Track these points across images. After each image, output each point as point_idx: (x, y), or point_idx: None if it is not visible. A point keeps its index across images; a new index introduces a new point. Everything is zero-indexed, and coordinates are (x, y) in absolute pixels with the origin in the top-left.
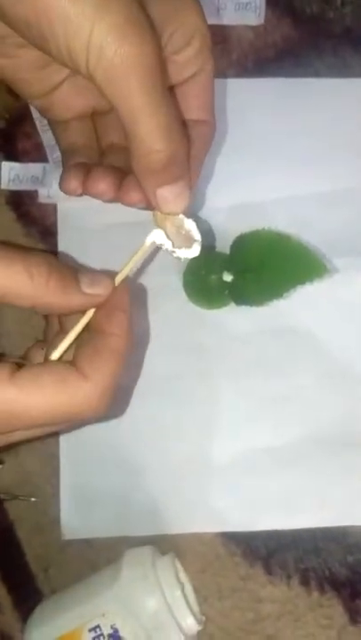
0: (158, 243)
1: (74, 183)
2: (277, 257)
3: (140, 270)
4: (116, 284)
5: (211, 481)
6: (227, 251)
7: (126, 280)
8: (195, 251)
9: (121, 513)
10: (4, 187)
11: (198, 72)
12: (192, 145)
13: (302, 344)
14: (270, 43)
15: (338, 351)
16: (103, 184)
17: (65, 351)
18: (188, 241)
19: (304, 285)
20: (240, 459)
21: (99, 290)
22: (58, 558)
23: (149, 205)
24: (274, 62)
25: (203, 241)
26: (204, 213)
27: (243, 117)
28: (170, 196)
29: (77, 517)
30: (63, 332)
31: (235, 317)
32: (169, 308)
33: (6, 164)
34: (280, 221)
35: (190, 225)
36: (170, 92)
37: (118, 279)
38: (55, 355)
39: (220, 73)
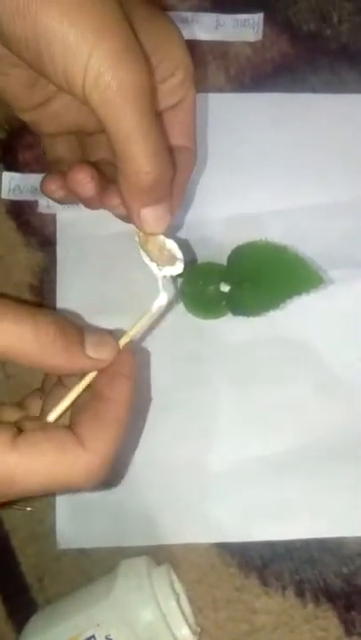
0: (148, 263)
1: (53, 185)
2: (274, 268)
3: (137, 281)
4: (121, 347)
5: (206, 491)
6: (224, 262)
7: (131, 344)
8: (178, 268)
9: (116, 523)
10: (4, 196)
11: (181, 101)
12: (176, 171)
13: (298, 354)
14: (268, 59)
15: (334, 361)
16: (82, 174)
17: (64, 411)
18: (171, 259)
19: (300, 296)
20: (236, 469)
21: (103, 354)
22: (53, 568)
23: (128, 215)
24: (271, 78)
25: (185, 257)
26: (202, 225)
27: (240, 131)
28: (152, 216)
29: (73, 527)
30: (61, 384)
31: (232, 328)
32: (166, 318)
33: (7, 175)
34: (277, 233)
35: (171, 244)
36: (158, 118)
37: (123, 342)
38: (52, 417)
39: (218, 88)
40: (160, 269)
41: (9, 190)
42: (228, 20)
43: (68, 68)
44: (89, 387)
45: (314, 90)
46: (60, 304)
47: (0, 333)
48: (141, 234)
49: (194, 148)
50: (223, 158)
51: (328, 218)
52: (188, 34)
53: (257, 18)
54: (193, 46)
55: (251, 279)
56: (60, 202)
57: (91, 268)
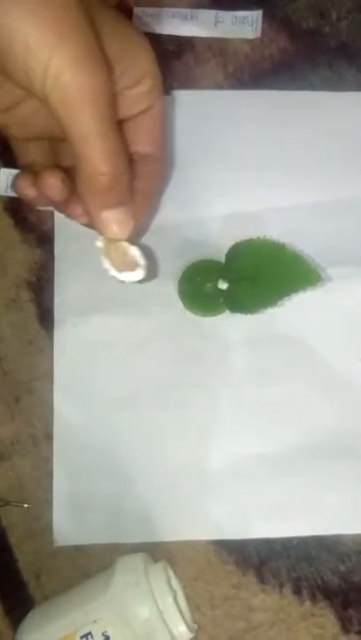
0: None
1: (24, 183)
2: (272, 265)
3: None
4: None
5: (204, 488)
6: (222, 259)
7: None
8: (138, 275)
9: (114, 520)
10: (1, 193)
11: (149, 108)
12: (141, 179)
13: (296, 352)
14: (267, 56)
15: (331, 359)
16: (53, 178)
17: None
18: (132, 265)
19: (298, 293)
20: (233, 466)
21: None
22: (50, 565)
23: (90, 220)
24: (270, 75)
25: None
26: (200, 222)
27: (238, 128)
28: (112, 220)
29: (70, 524)
30: None
31: (230, 325)
32: (165, 315)
33: (5, 171)
34: (275, 230)
35: (134, 251)
36: (117, 124)
37: None
38: None
39: (217, 85)
40: (119, 274)
41: (6, 187)
42: (227, 16)
43: (29, 67)
44: None
45: (313, 87)
46: (57, 301)
47: None
48: (105, 239)
49: (160, 156)
50: (221, 156)
51: (327, 215)
52: (186, 30)
53: (256, 15)
54: (192, 43)
55: (249, 276)
56: (31, 202)
57: (88, 264)
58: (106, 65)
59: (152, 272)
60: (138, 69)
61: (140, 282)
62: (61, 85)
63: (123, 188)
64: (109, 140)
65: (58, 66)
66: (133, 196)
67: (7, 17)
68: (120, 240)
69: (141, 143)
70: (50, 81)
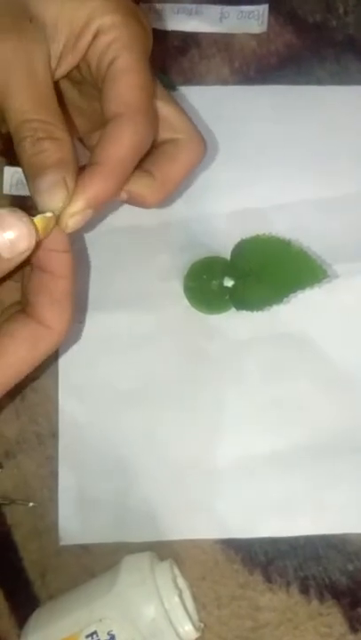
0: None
1: None
2: (277, 262)
3: (141, 275)
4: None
5: (210, 487)
6: (227, 256)
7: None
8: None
9: (120, 518)
10: (6, 192)
11: (113, 61)
12: (104, 142)
13: (303, 349)
14: (273, 51)
15: (338, 356)
16: None
17: None
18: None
19: (304, 290)
20: (240, 465)
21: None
22: (55, 564)
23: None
24: (276, 70)
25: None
26: (205, 219)
27: (245, 124)
28: (46, 186)
29: (75, 522)
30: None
31: (235, 322)
32: (170, 313)
33: (9, 169)
34: (280, 227)
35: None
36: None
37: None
38: None
39: (223, 80)
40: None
41: (11, 185)
42: (233, 11)
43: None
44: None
45: (320, 82)
46: None
47: None
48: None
49: (134, 118)
50: (227, 152)
51: (333, 211)
52: (191, 26)
53: (262, 9)
54: (197, 39)
55: (254, 273)
56: None
57: (93, 261)
58: (34, 29)
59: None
60: (90, 20)
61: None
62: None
63: (58, 145)
64: (35, 90)
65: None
66: (97, 161)
67: None
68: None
69: (112, 102)
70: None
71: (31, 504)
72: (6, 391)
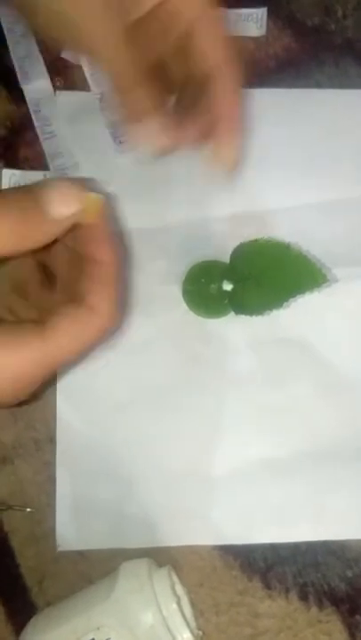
0: None
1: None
2: (277, 266)
3: (140, 279)
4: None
5: (208, 493)
6: (226, 260)
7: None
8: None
9: (117, 525)
10: None
11: (191, 20)
12: (218, 99)
13: (302, 354)
14: (271, 54)
15: (338, 361)
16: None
17: None
18: None
19: (303, 295)
20: (238, 470)
21: (66, 210)
22: (52, 570)
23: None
24: (275, 73)
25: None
26: (204, 222)
27: (243, 127)
28: (145, 130)
29: (73, 529)
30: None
31: (234, 327)
32: (168, 317)
33: (7, 172)
34: (280, 231)
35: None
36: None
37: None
38: None
39: None
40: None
41: (9, 187)
42: (231, 14)
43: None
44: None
45: (318, 85)
46: None
47: None
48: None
49: (229, 71)
50: None
51: (333, 215)
52: None
53: (260, 12)
54: None
55: (254, 277)
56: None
57: None
58: (118, 8)
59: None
60: None
61: None
62: (85, 38)
63: (146, 98)
64: (125, 62)
65: (82, 29)
66: (219, 115)
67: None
68: (161, 150)
69: (204, 56)
70: (83, 39)
71: (28, 510)
72: (54, 373)
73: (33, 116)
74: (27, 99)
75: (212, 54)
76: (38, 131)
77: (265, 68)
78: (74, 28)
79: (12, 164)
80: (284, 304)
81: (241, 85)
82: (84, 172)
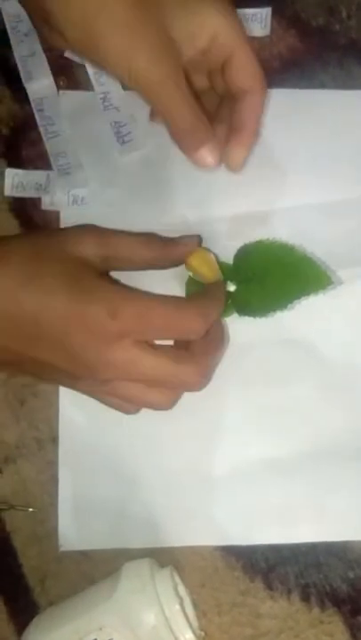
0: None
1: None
2: (281, 268)
3: (142, 280)
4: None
5: (211, 493)
6: (230, 261)
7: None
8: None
9: (120, 525)
10: (7, 193)
11: (234, 53)
12: (244, 111)
13: (305, 356)
14: (275, 54)
15: (341, 363)
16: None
17: None
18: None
19: (308, 297)
20: (240, 471)
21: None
22: (55, 570)
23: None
24: (279, 73)
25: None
26: (208, 223)
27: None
28: (204, 155)
29: (75, 528)
30: None
31: (238, 328)
32: None
33: (10, 171)
34: (284, 232)
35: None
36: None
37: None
38: None
39: None
40: None
41: (12, 187)
42: None
43: (116, 70)
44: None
45: (322, 85)
46: None
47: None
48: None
49: (260, 88)
50: None
51: (337, 216)
52: None
53: (265, 12)
54: None
55: (257, 279)
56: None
57: None
58: (174, 51)
59: None
60: (208, 30)
61: None
62: (141, 80)
63: (203, 130)
64: (184, 105)
65: (135, 69)
66: (241, 126)
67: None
68: (214, 167)
69: (240, 80)
70: (133, 78)
71: (31, 509)
72: None
73: (36, 116)
74: (30, 98)
75: (247, 78)
76: (41, 130)
77: (269, 69)
78: (126, 73)
79: (15, 163)
80: (289, 306)
81: (264, 108)
82: (87, 172)
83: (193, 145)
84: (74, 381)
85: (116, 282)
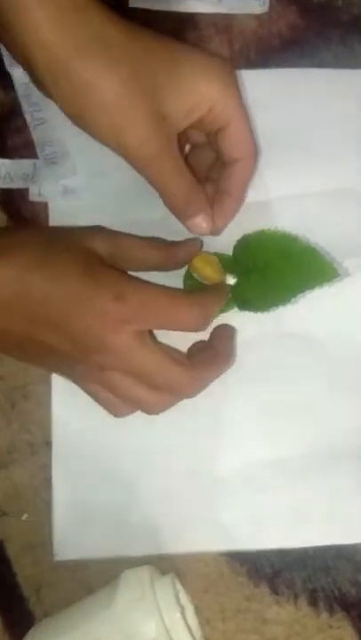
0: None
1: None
2: (284, 259)
3: (140, 273)
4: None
5: (213, 497)
6: (229, 252)
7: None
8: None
9: (117, 532)
10: None
11: (228, 124)
12: (234, 177)
13: (309, 351)
14: (275, 32)
15: (347, 359)
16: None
17: None
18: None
19: (312, 290)
20: (244, 473)
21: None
22: (50, 579)
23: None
24: (279, 52)
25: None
26: None
27: (246, 110)
28: (198, 223)
29: (71, 537)
30: None
31: (239, 323)
32: None
33: None
34: (286, 221)
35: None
36: (183, 154)
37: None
38: None
39: None
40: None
41: (1, 178)
42: None
43: (104, 140)
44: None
45: (324, 64)
46: None
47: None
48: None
49: (250, 156)
50: None
51: (342, 203)
52: (188, 6)
53: None
54: (194, 20)
55: (259, 271)
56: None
57: None
58: (165, 126)
59: None
60: (205, 104)
61: None
62: (131, 157)
63: (197, 201)
64: (177, 178)
65: (124, 146)
66: (227, 192)
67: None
68: (210, 234)
69: (232, 150)
70: (123, 155)
71: (24, 516)
72: None
73: (22, 102)
74: (15, 84)
75: (239, 149)
76: (27, 117)
77: (268, 48)
78: (117, 149)
79: (1, 153)
80: (292, 300)
81: (253, 174)
82: (75, 161)
83: (187, 214)
84: (72, 367)
85: (123, 271)
